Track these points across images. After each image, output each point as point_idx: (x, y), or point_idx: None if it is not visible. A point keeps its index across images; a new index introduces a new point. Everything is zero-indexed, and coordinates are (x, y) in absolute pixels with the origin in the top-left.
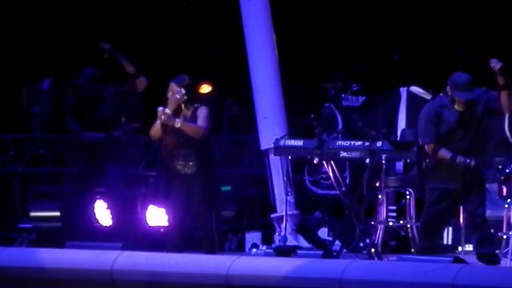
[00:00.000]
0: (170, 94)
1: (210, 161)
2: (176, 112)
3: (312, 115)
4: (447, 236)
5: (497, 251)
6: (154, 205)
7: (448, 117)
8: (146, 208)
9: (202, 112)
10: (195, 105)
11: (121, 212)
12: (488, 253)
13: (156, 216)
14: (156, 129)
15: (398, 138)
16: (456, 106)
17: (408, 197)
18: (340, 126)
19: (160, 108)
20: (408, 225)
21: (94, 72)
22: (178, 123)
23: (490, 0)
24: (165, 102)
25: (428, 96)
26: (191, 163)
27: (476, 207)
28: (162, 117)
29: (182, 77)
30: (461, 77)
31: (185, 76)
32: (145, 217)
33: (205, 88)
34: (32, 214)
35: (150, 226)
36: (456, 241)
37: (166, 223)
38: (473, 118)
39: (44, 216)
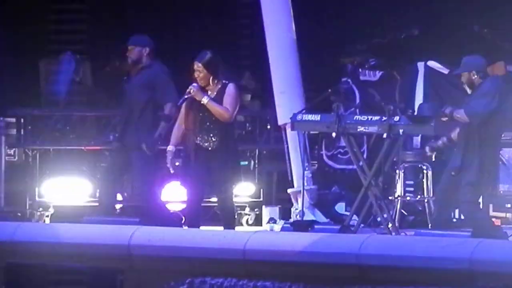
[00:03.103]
0: (196, 73)
1: (231, 137)
2: (204, 89)
3: (330, 90)
4: None
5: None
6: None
7: None
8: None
9: (230, 92)
10: (223, 81)
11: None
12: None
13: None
14: (183, 114)
15: (416, 113)
16: None
17: (425, 171)
18: (357, 101)
19: (192, 85)
20: (426, 200)
21: None
22: (205, 100)
23: None
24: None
25: (445, 71)
26: (213, 139)
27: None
28: (192, 90)
29: (204, 54)
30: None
31: (208, 52)
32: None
33: None
34: (49, 190)
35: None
36: None
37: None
38: None
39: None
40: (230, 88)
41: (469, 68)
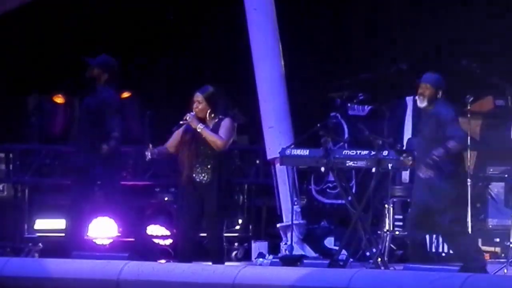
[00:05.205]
0: (195, 104)
1: (225, 171)
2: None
3: (318, 125)
4: None
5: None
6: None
7: None
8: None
9: (225, 124)
10: (220, 116)
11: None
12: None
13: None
14: (174, 141)
15: (404, 147)
16: None
17: None
18: (346, 135)
19: (189, 113)
20: None
21: None
22: (200, 127)
23: (496, 11)
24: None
25: None
26: (207, 172)
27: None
28: (188, 118)
29: (206, 88)
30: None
31: (210, 87)
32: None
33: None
34: (38, 224)
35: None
36: None
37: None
38: None
39: (50, 227)
40: (226, 121)
41: (438, 85)
